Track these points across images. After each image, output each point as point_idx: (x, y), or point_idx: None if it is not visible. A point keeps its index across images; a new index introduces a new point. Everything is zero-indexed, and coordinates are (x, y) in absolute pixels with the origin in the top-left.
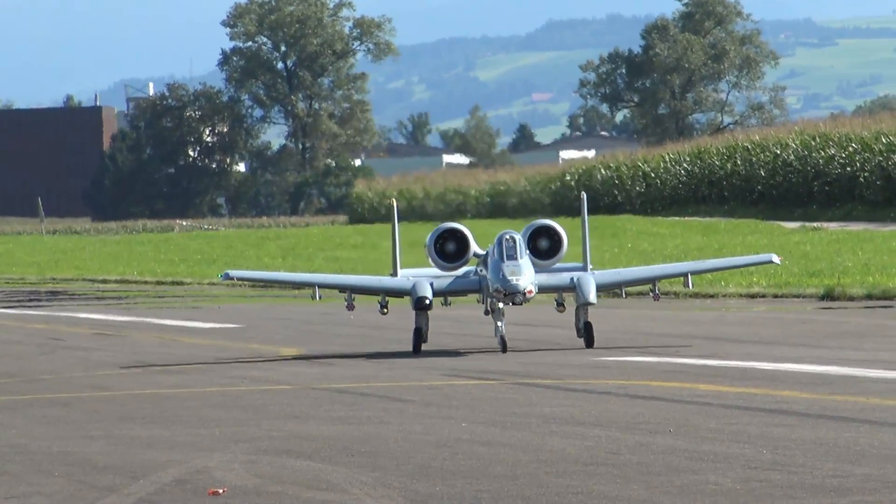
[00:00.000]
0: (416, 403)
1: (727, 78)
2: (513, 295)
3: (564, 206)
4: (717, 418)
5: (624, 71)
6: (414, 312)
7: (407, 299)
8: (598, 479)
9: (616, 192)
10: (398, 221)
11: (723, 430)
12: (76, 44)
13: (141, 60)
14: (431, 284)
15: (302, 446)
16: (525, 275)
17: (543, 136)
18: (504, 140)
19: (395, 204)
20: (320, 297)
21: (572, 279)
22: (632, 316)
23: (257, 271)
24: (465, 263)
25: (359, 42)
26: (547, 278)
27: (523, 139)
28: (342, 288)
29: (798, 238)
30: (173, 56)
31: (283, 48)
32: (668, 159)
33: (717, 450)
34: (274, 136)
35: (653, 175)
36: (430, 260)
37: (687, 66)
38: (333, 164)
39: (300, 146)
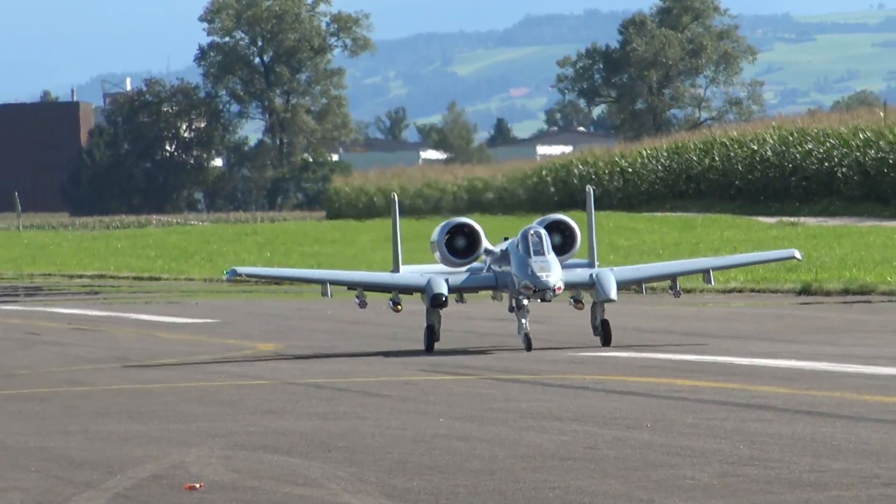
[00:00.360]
0: (393, 399)
1: (705, 73)
2: (543, 291)
3: (541, 201)
4: (695, 413)
5: (601, 66)
6: (425, 309)
7: (417, 296)
8: (575, 474)
9: (594, 188)
10: (399, 216)
11: (700, 425)
12: (53, 39)
13: (118, 56)
14: (447, 281)
15: (279, 441)
16: (554, 271)
17: (521, 131)
18: (481, 135)
19: (395, 198)
20: (332, 294)
21: (591, 275)
22: (609, 311)
23: (265, 268)
24: (475, 259)
25: (336, 37)
26: (566, 275)
27: (501, 134)
28: (353, 285)
29: (776, 233)
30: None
31: (260, 43)
32: (645, 155)
33: (694, 445)
34: (251, 131)
35: (630, 170)
36: (436, 256)
37: (664, 61)
38: (311, 159)
39: (277, 141)
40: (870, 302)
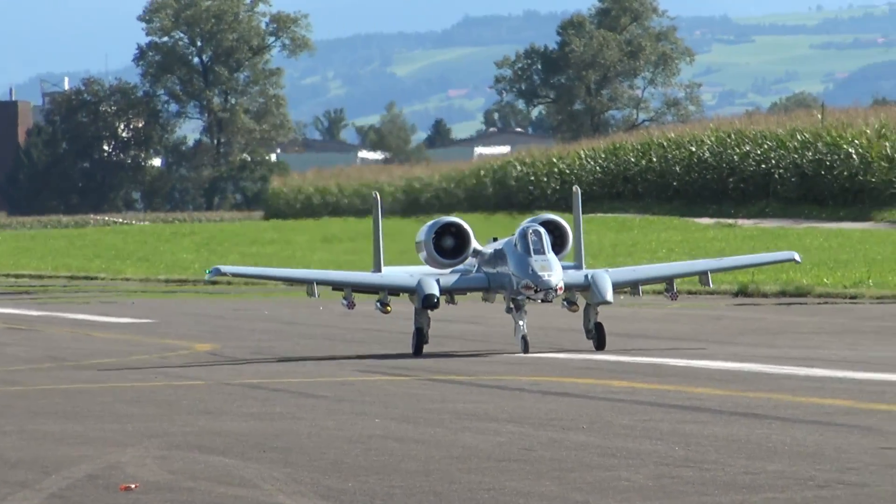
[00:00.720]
0: (328, 399)
1: (643, 74)
2: (545, 291)
3: (480, 202)
4: (630, 415)
5: (540, 67)
6: (414, 311)
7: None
8: (510, 476)
9: (531, 189)
10: (381, 216)
11: (636, 427)
12: None
13: (57, 55)
14: (438, 281)
15: (214, 442)
16: (556, 270)
17: (459, 132)
18: (419, 136)
19: (377, 197)
20: (318, 295)
21: (587, 276)
22: (548, 312)
23: (249, 267)
24: (463, 260)
25: (275, 37)
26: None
27: (439, 135)
28: (341, 285)
29: (712, 234)
30: (89, 51)
31: (199, 43)
32: (583, 156)
33: (630, 446)
34: (189, 130)
35: (568, 171)
36: (422, 256)
37: (603, 62)
38: (249, 159)
39: (215, 141)
40: (806, 304)
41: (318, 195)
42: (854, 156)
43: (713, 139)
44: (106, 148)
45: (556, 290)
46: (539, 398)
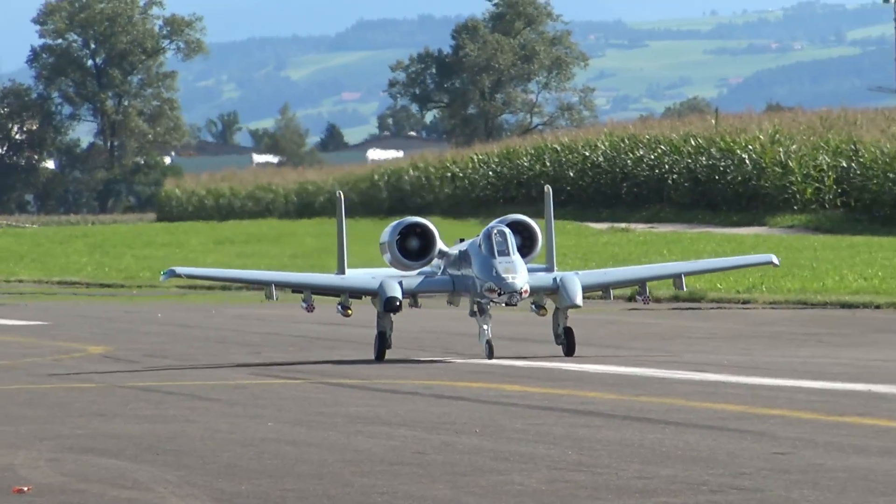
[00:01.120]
0: (222, 402)
1: (537, 79)
2: (509, 294)
3: (374, 206)
4: (523, 419)
5: (434, 71)
6: (376, 315)
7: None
8: (403, 479)
9: (424, 194)
10: (345, 216)
11: (528, 431)
12: None
13: None
14: (400, 284)
15: (107, 444)
16: (521, 272)
17: (353, 135)
18: (313, 139)
19: (341, 197)
20: (277, 298)
21: (556, 279)
22: (437, 316)
23: (206, 268)
24: (429, 262)
25: (169, 40)
26: (528, 278)
27: (332, 139)
28: (300, 287)
29: (606, 239)
30: None
31: (93, 46)
32: (476, 160)
33: (523, 450)
34: (83, 133)
35: (461, 176)
36: (386, 258)
37: (497, 66)
38: (142, 162)
39: (109, 144)
40: (699, 309)
41: (212, 198)
42: (748, 161)
43: (607, 144)
44: None
45: (520, 294)
46: (432, 402)
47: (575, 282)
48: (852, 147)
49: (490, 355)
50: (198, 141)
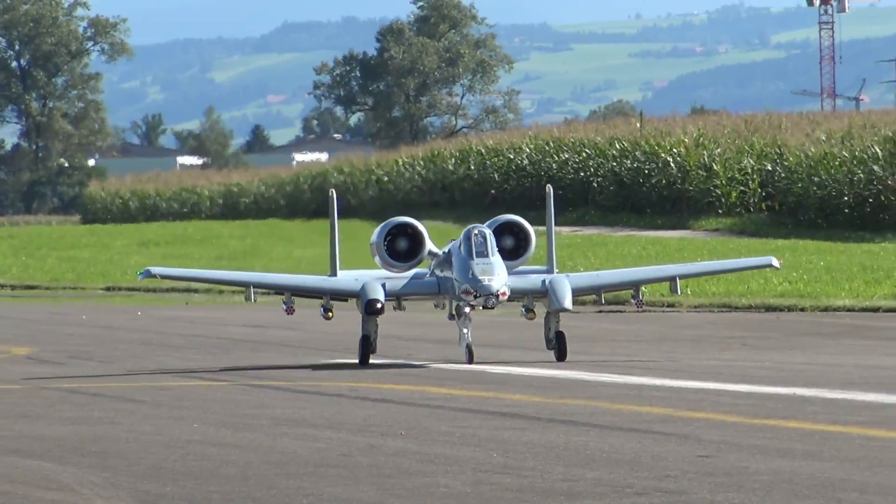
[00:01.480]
0: (147, 404)
1: (461, 82)
2: (485, 297)
3: (299, 207)
4: (449, 421)
5: (358, 74)
6: (361, 317)
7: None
8: (329, 481)
9: (350, 197)
10: (337, 217)
11: (454, 433)
12: None
13: None
14: (383, 286)
15: (32, 446)
16: (498, 275)
17: (278, 138)
18: (238, 142)
19: (333, 195)
20: (255, 300)
21: (545, 282)
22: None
23: (181, 269)
24: (418, 263)
25: (93, 42)
26: (515, 280)
27: (257, 141)
28: (280, 289)
29: None
30: None
31: (17, 47)
32: (401, 163)
33: (448, 452)
34: (7, 135)
35: (386, 179)
36: (376, 259)
37: (421, 69)
38: (67, 163)
39: (34, 145)
40: (624, 312)
41: (136, 200)
42: (672, 164)
43: (532, 147)
44: None
45: (496, 296)
46: (357, 404)
47: (564, 285)
48: (777, 150)
49: (470, 359)
50: (122, 143)
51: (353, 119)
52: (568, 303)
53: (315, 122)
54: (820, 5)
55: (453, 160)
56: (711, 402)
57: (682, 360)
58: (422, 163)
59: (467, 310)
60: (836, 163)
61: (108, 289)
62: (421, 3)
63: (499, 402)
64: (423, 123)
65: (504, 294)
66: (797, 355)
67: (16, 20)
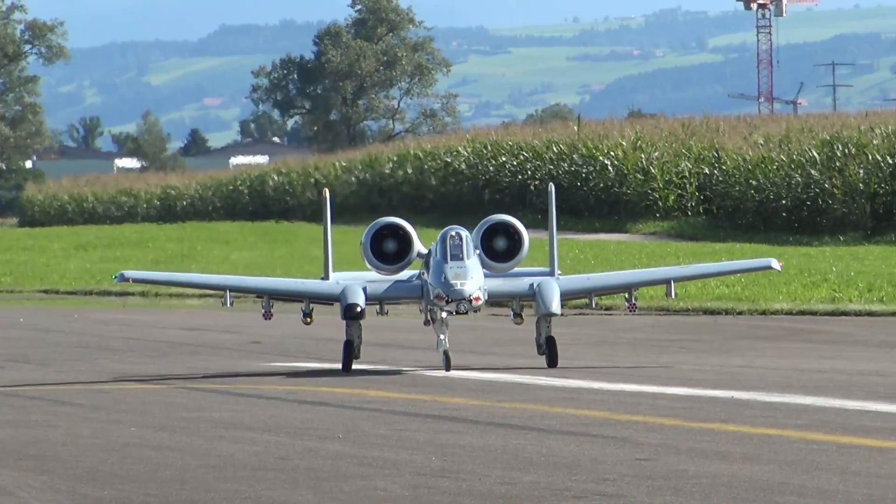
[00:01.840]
0: (84, 407)
1: (399, 85)
2: (456, 302)
3: (237, 210)
4: (387, 424)
5: (296, 77)
6: (344, 323)
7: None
8: (266, 485)
9: (288, 199)
10: (331, 220)
11: (392, 437)
12: None
13: None
14: (364, 289)
15: None
16: (472, 278)
17: (215, 141)
18: (176, 145)
19: (327, 195)
20: (232, 304)
21: (532, 285)
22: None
23: (156, 272)
24: (408, 265)
25: (31, 45)
26: (502, 284)
27: (195, 144)
28: (258, 292)
29: None
30: None
31: None
32: (339, 167)
33: (386, 456)
34: None
35: (325, 182)
36: (366, 261)
37: (359, 72)
38: (4, 166)
39: None
40: (562, 315)
41: (74, 203)
42: (610, 168)
43: (469, 150)
44: None
45: (469, 301)
46: (295, 407)
47: (553, 288)
48: (714, 154)
49: (448, 367)
50: (60, 145)
51: (291, 122)
52: (555, 307)
53: (253, 125)
54: (757, 9)
55: (391, 164)
56: (650, 405)
57: (619, 364)
58: (359, 166)
59: (444, 315)
60: (774, 166)
61: (45, 291)
62: (359, 7)
63: (437, 405)
64: (360, 127)
65: (478, 299)
66: (734, 358)
67: None
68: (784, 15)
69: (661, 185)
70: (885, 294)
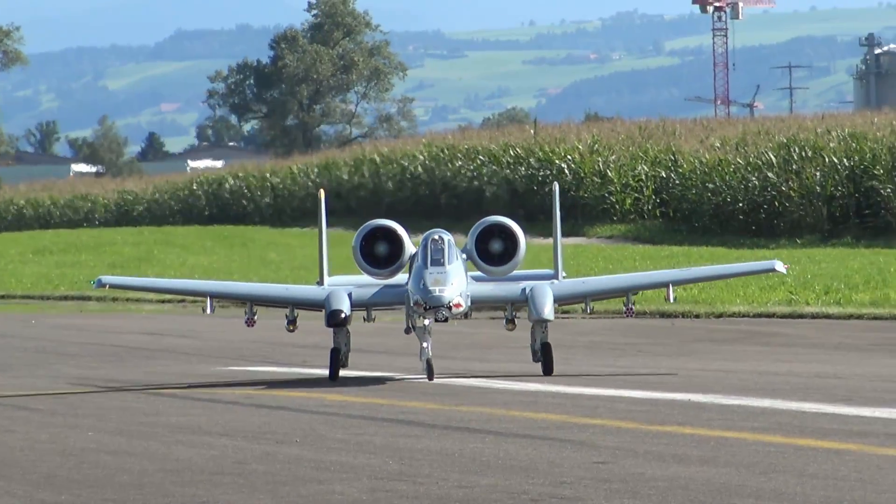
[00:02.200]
0: (42, 412)
1: (356, 89)
2: (435, 309)
3: (194, 214)
4: (344, 428)
5: (252, 82)
6: (332, 330)
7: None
8: (224, 489)
9: (245, 203)
10: (327, 223)
11: (349, 441)
12: None
13: None
14: (350, 295)
15: None
16: (452, 284)
17: (172, 146)
18: (133, 149)
19: (322, 197)
20: (213, 310)
21: (524, 290)
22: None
23: (135, 278)
24: (400, 269)
25: None
26: (493, 289)
27: (152, 148)
28: (240, 298)
29: None
30: None
31: None
32: (295, 171)
33: (344, 460)
34: None
35: (281, 186)
36: (357, 265)
37: (315, 77)
38: None
39: None
40: (518, 318)
41: (31, 208)
42: (566, 171)
43: (426, 155)
44: None
45: (449, 308)
46: (252, 411)
47: (545, 293)
48: (671, 157)
49: (430, 375)
50: (16, 151)
51: (248, 127)
52: (548, 312)
53: (209, 130)
54: (713, 12)
55: (347, 168)
56: (607, 408)
57: (576, 367)
58: (316, 171)
59: (427, 322)
60: (731, 169)
61: (2, 297)
62: (315, 11)
63: (394, 409)
64: (317, 131)
65: (458, 305)
66: (691, 361)
67: None
68: (740, 18)
69: (617, 189)
70: (842, 296)
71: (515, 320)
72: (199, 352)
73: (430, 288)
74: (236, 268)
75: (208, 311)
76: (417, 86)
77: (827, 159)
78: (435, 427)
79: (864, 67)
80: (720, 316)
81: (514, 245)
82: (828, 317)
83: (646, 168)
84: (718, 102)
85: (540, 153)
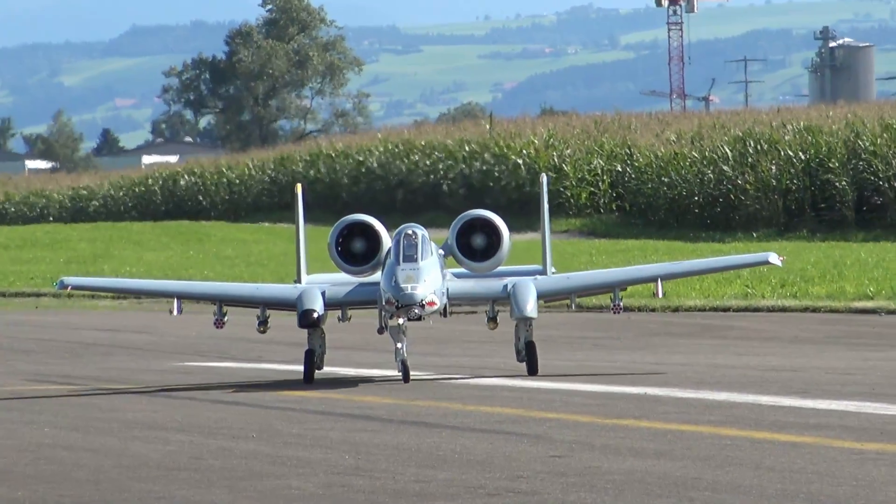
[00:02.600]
0: None
1: (311, 85)
2: (406, 308)
3: (150, 210)
4: (300, 423)
5: (208, 77)
6: (306, 331)
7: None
8: (180, 484)
9: (201, 198)
10: (304, 217)
11: (305, 436)
12: None
13: None
14: (323, 294)
15: None
16: (425, 280)
17: (127, 141)
18: (88, 145)
19: (299, 191)
20: (180, 312)
21: (506, 286)
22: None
23: (98, 278)
24: (374, 266)
25: None
26: (473, 286)
27: (107, 144)
28: (209, 298)
29: None
30: None
31: None
32: (252, 166)
33: (300, 455)
34: None
35: (237, 182)
36: (333, 262)
37: (271, 72)
38: None
39: None
40: (476, 313)
41: None
42: (522, 166)
43: (381, 150)
44: None
45: (421, 306)
46: (209, 406)
47: (528, 290)
48: (627, 151)
49: (406, 377)
50: None
51: (203, 122)
52: (530, 309)
53: (164, 125)
54: (669, 6)
55: (303, 164)
56: (563, 402)
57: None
58: (272, 166)
59: (400, 321)
60: (686, 163)
61: None
62: (270, 6)
63: (350, 403)
64: (272, 127)
65: (432, 304)
66: (647, 355)
67: None
68: (695, 11)
69: (573, 183)
70: (798, 290)
71: (497, 318)
72: (156, 347)
73: (402, 285)
74: (192, 264)
75: (175, 312)
76: (373, 81)
77: (782, 153)
78: (391, 421)
79: (819, 61)
80: (676, 310)
81: (497, 240)
82: (784, 310)
83: (601, 162)
84: (674, 96)
85: (495, 148)
